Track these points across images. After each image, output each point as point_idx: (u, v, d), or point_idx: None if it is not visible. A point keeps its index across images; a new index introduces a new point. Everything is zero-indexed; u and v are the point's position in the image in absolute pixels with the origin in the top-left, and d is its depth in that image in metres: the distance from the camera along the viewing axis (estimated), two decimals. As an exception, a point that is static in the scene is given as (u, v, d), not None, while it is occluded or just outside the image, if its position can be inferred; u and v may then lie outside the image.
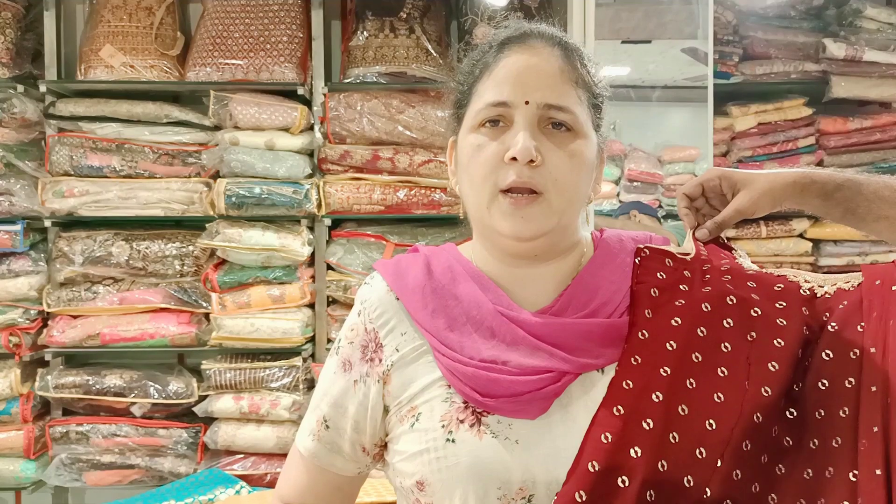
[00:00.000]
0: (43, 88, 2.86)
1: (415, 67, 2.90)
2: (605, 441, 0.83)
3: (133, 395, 2.81)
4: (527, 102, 0.90)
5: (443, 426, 0.88)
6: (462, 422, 0.87)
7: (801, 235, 3.15)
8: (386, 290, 0.98)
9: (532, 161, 0.88)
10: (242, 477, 2.72)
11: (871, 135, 3.11)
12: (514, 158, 0.88)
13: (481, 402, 0.87)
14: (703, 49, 3.04)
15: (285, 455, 2.93)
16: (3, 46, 2.84)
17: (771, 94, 3.16)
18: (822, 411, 0.85)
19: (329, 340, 2.92)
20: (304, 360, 2.86)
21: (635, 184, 3.30)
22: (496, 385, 0.87)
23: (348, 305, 2.89)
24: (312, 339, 2.94)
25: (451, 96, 1.01)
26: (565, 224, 0.93)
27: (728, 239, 3.24)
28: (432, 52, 2.93)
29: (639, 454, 0.82)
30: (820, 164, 3.13)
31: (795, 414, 0.86)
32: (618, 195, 3.39)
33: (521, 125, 0.89)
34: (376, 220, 2.94)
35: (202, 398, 2.83)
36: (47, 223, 2.87)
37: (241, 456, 2.82)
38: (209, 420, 2.84)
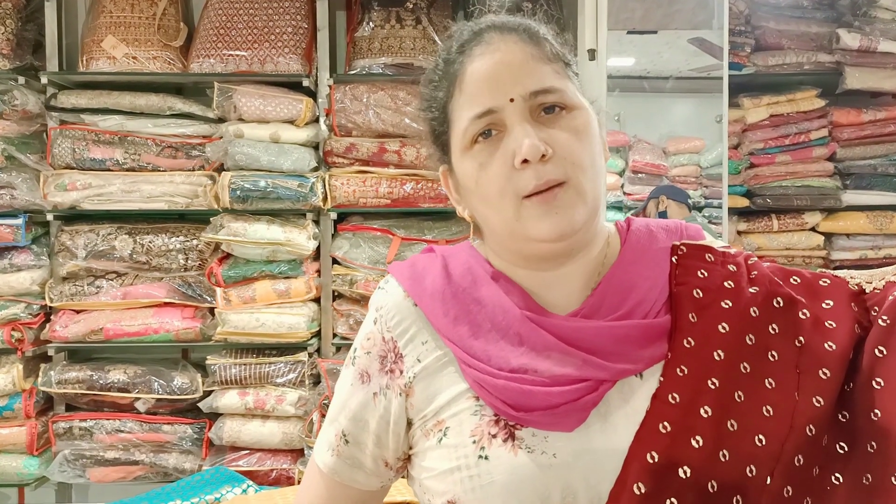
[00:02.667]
0: (44, 80, 2.82)
1: (421, 58, 2.86)
2: (652, 461, 0.77)
3: (137, 390, 2.78)
4: (511, 100, 0.84)
5: (474, 442, 0.82)
6: (494, 436, 0.82)
7: (813, 229, 3.11)
8: (403, 295, 0.92)
9: (544, 156, 0.82)
10: (248, 473, 2.69)
11: (886, 127, 3.07)
12: (525, 161, 0.82)
13: (515, 416, 0.81)
14: (712, 40, 3.00)
15: (291, 451, 2.93)
16: (3, 37, 2.80)
17: (783, 85, 3.11)
18: (879, 412, 0.79)
19: (335, 335, 2.89)
20: (310, 355, 2.83)
21: (640, 175, 3.27)
22: (530, 398, 0.81)
23: (354, 300, 2.86)
24: (318, 334, 2.90)
25: (425, 126, 0.95)
26: (597, 207, 0.87)
27: (739, 233, 3.16)
28: (439, 42, 2.88)
29: (688, 474, 0.76)
30: (833, 156, 3.10)
31: (848, 417, 0.81)
32: (622, 187, 3.36)
33: (517, 124, 0.83)
34: (383, 213, 2.91)
35: (207, 394, 2.81)
36: (49, 217, 2.83)
37: (247, 452, 2.79)
38: (214, 416, 2.82)
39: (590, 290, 0.89)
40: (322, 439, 0.96)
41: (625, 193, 3.38)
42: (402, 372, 0.89)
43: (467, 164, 0.87)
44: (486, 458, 0.81)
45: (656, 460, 0.77)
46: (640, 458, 0.78)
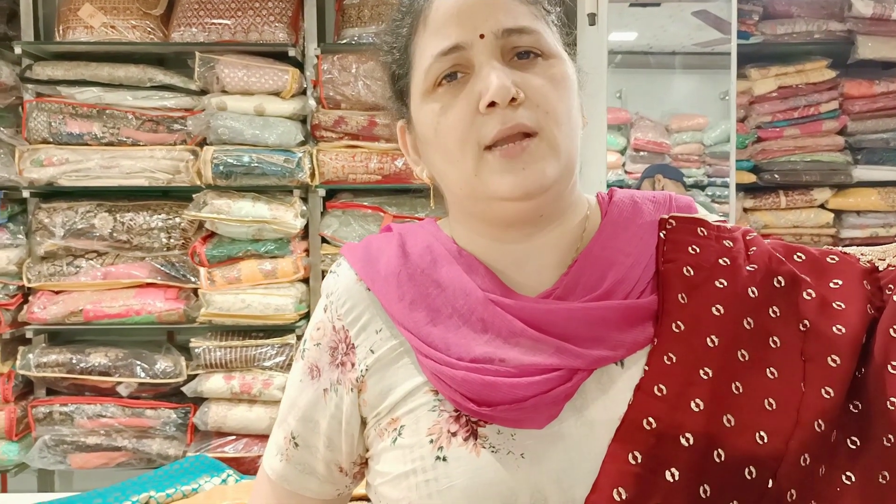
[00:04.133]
0: (19, 50, 2.70)
1: (413, 27, 2.73)
2: (634, 463, 0.67)
3: (119, 374, 2.68)
4: (482, 36, 0.73)
5: (431, 441, 0.72)
6: (454, 435, 0.72)
7: (822, 206, 3.01)
8: (354, 279, 0.82)
9: (514, 99, 0.71)
10: (234, 459, 2.60)
11: (899, 99, 2.95)
12: (493, 104, 0.71)
13: (477, 412, 0.71)
14: (716, 12, 2.88)
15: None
16: (-25, 6, 2.68)
17: (792, 55, 3.00)
18: (895, 400, 0.70)
19: (324, 317, 2.79)
20: (299, 337, 2.73)
21: (642, 153, 3.19)
22: (494, 390, 0.70)
23: (344, 280, 2.76)
24: (307, 316, 2.80)
25: (383, 72, 0.85)
26: (571, 167, 0.77)
27: (746, 210, 3.04)
28: None
29: (676, 477, 0.66)
30: (843, 130, 2.98)
31: (860, 407, 0.71)
32: (623, 165, 3.27)
33: (486, 63, 0.73)
34: (373, 190, 2.80)
35: (191, 377, 2.71)
36: (26, 194, 2.73)
37: (233, 437, 2.70)
38: (199, 400, 2.72)
39: (565, 267, 0.78)
40: (271, 442, 0.86)
41: (626, 172, 3.29)
42: (353, 365, 0.79)
43: (427, 109, 0.76)
44: (444, 459, 0.71)
45: (639, 461, 0.67)
46: (621, 459, 0.68)
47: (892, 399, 0.70)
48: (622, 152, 3.27)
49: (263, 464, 0.87)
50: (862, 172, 2.97)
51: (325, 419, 0.81)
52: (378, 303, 0.79)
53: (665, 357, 0.72)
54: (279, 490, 0.85)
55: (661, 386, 0.70)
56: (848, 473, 0.69)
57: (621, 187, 3.28)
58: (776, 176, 2.96)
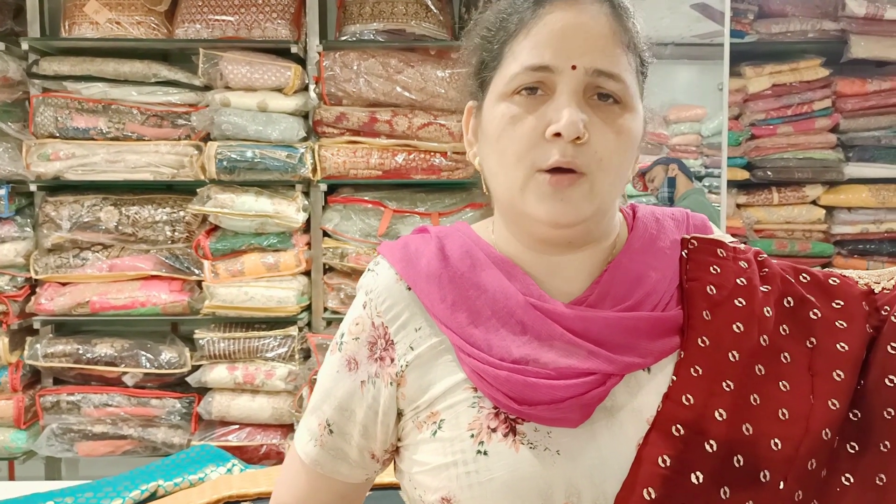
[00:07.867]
0: (25, 46, 2.74)
1: (414, 24, 2.77)
2: (663, 465, 0.73)
3: (124, 364, 2.74)
4: (574, 67, 0.77)
5: (472, 436, 0.77)
6: (494, 430, 0.77)
7: (814, 202, 3.05)
8: (395, 278, 0.86)
9: (578, 138, 0.76)
10: (238, 448, 2.66)
11: (891, 97, 3.01)
12: (558, 134, 0.76)
13: (517, 410, 0.76)
14: (715, 5, 2.92)
15: (281, 426, 2.89)
16: (-18, 1, 2.72)
17: (786, 53, 3.03)
18: (892, 410, 0.77)
19: (326, 309, 2.85)
20: (300, 329, 2.78)
21: (639, 144, 3.22)
22: (534, 391, 0.76)
23: (345, 273, 2.81)
24: (308, 308, 2.86)
25: (472, 54, 0.87)
26: (605, 209, 0.82)
27: (739, 206, 3.09)
28: (433, 8, 2.79)
29: (700, 480, 0.73)
30: (836, 127, 3.03)
31: (860, 416, 0.78)
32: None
33: (566, 94, 0.77)
34: (374, 185, 2.84)
35: (195, 368, 2.77)
36: (33, 187, 2.78)
37: (237, 427, 2.76)
38: (203, 390, 2.78)
39: (595, 277, 0.84)
40: (304, 429, 0.91)
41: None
42: (392, 360, 0.84)
43: (499, 111, 0.80)
44: (484, 453, 0.77)
45: (668, 464, 0.73)
46: (651, 461, 0.74)
47: (889, 409, 0.77)
48: (619, 143, 3.30)
49: (296, 448, 0.91)
50: (853, 170, 3.02)
51: (361, 409, 0.86)
52: (418, 301, 0.84)
53: (692, 369, 0.78)
54: (311, 473, 0.90)
55: (689, 396, 0.77)
56: (847, 476, 0.76)
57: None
58: (769, 173, 3.01)
